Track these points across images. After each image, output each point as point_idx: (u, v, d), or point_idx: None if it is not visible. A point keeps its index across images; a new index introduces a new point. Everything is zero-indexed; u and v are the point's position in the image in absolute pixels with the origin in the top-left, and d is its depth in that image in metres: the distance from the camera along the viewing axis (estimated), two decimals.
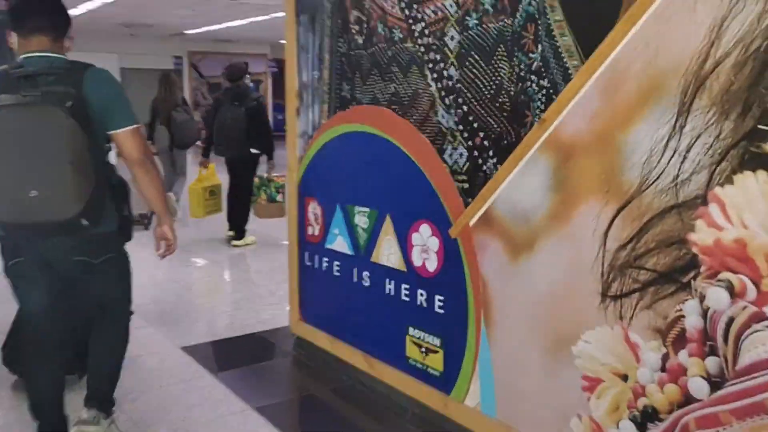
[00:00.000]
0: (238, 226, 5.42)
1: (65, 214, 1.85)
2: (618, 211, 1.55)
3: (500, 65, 1.83)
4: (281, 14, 8.57)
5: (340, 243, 2.58)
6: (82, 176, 1.85)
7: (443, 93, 2.03)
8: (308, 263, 2.80)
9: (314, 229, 2.74)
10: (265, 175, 5.48)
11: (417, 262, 2.19)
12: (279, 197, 5.41)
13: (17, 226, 1.89)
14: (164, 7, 11.32)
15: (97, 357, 2.18)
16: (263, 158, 5.36)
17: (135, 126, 2.00)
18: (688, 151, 1.40)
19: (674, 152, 1.43)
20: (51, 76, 1.87)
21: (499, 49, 1.83)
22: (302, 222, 2.81)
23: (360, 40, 2.39)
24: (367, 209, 2.42)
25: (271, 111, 18.41)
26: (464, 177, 1.97)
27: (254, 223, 5.51)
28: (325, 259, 2.68)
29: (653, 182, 1.47)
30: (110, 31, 14.49)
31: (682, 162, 1.41)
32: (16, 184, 1.82)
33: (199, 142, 6.31)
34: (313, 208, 2.74)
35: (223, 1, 10.42)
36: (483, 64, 1.88)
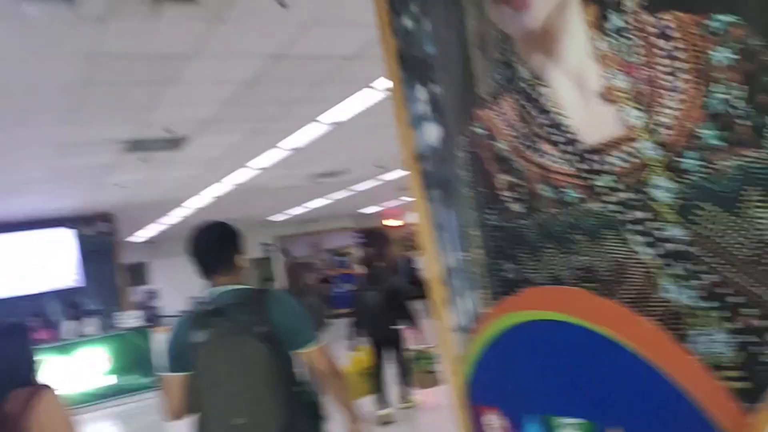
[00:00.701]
0: (403, 390, 5.97)
1: None
2: None
3: (756, 214, 1.32)
4: (364, 187, 8.67)
5: None
6: (278, 399, 1.97)
7: (666, 260, 1.51)
8: None
9: None
10: (416, 348, 5.94)
11: None
12: (432, 367, 5.87)
13: None
14: (250, 201, 11.68)
15: None
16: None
17: (320, 343, 2.13)
18: None
19: None
20: (237, 306, 2.03)
21: (746, 193, 1.33)
22: None
23: (518, 208, 1.95)
24: (576, 421, 1.83)
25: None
26: (738, 373, 1.39)
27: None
28: None
29: None
30: None
31: None
32: (223, 414, 1.95)
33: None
34: (493, 420, 2.17)
35: (303, 185, 10.65)
36: (726, 216, 1.38)
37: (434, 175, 2.32)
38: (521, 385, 2.04)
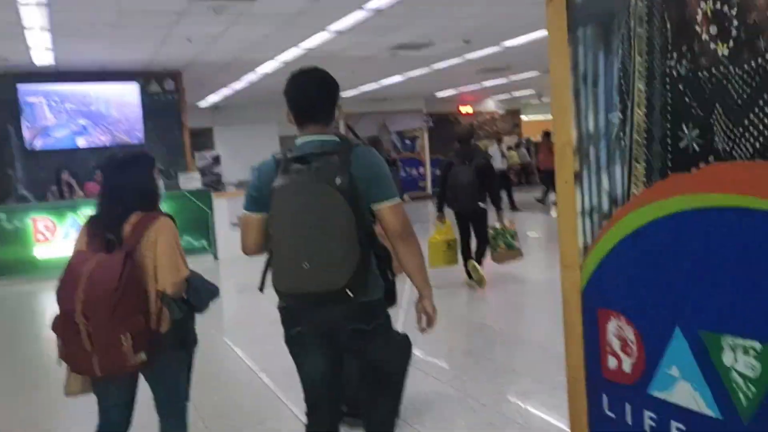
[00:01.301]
0: (478, 261, 6.14)
1: (333, 286, 1.96)
2: None
3: None
4: (444, 65, 8.00)
5: (685, 393, 1.54)
6: (348, 249, 1.96)
7: None
8: (609, 413, 1.77)
9: (624, 362, 1.71)
10: (498, 225, 6.06)
11: None
12: (516, 243, 6.17)
13: (295, 296, 2.04)
14: None
15: (372, 425, 2.30)
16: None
17: (397, 201, 2.08)
18: None
19: None
20: (322, 156, 2.01)
21: None
22: (594, 347, 1.80)
23: (723, 51, 1.39)
24: (757, 344, 1.36)
25: (429, 167, 17.82)
26: None
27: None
28: (651, 414, 1.64)
29: None
30: (269, 100, 14.71)
31: None
32: (292, 257, 1.98)
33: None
34: (618, 329, 1.72)
35: (380, 57, 9.98)
36: None
37: (588, 8, 1.74)
38: (668, 290, 1.56)
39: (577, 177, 1.83)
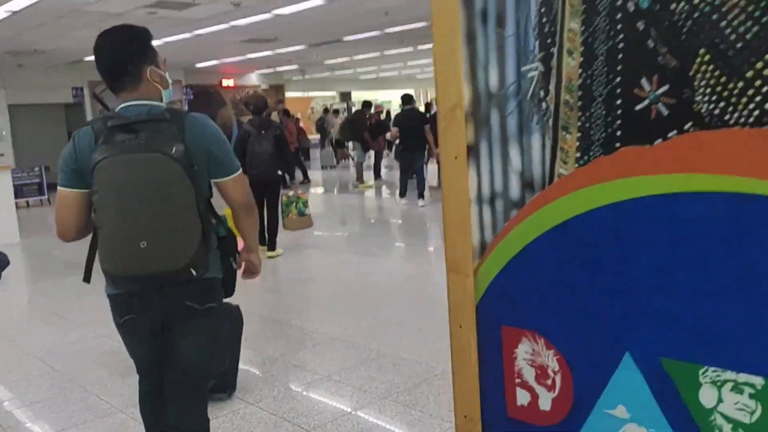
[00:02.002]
0: (270, 239, 6.17)
1: (176, 264, 1.82)
2: None
3: None
4: (204, 31, 7.13)
5: None
6: (190, 225, 1.83)
7: None
8: None
9: (541, 398, 1.30)
10: (291, 193, 6.56)
11: None
12: (307, 211, 6.61)
13: (128, 278, 1.86)
14: (60, 28, 9.45)
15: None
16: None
17: (240, 171, 2.01)
18: None
19: None
20: (150, 124, 1.85)
21: None
22: (495, 378, 1.36)
23: None
24: (758, 380, 1.00)
25: None
26: None
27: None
28: None
29: None
30: None
31: None
32: (127, 236, 1.82)
33: None
34: (533, 354, 1.30)
35: (135, 15, 8.68)
36: None
37: None
38: (620, 304, 1.15)
39: (472, 151, 1.35)
